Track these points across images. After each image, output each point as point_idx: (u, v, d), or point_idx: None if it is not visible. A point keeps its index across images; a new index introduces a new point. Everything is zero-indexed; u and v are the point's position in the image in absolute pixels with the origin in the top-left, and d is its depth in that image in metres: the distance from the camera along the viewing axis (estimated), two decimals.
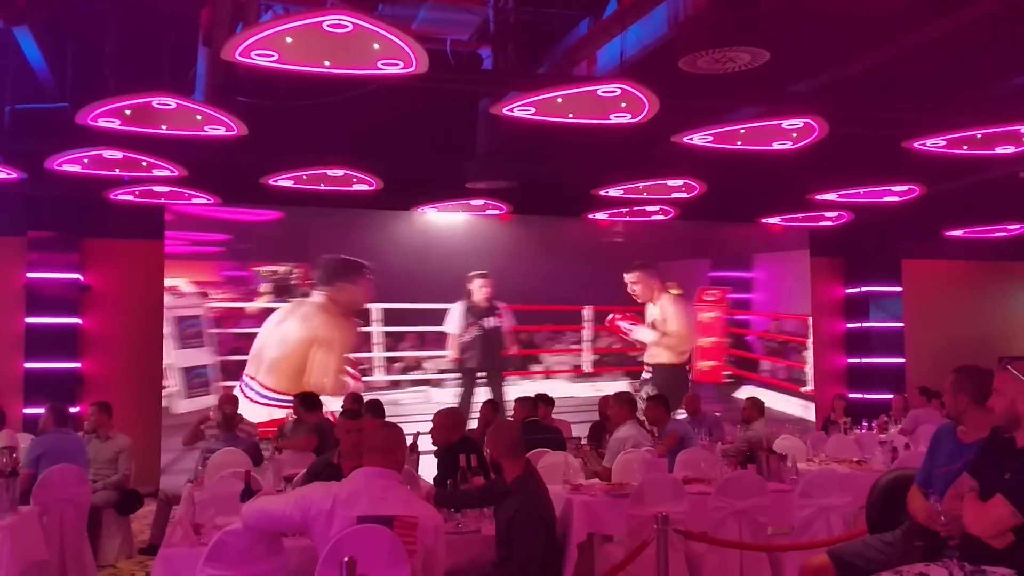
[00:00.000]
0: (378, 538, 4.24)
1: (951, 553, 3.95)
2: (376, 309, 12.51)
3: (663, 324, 13.53)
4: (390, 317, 12.59)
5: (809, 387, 14.03)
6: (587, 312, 13.47)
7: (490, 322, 12.92)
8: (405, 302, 12.57)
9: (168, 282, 11.81)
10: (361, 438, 5.86)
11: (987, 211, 13.04)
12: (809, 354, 14.12)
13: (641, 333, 13.49)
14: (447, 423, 6.66)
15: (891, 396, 12.53)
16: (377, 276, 12.40)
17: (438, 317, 12.79)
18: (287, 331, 12.15)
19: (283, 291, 12.20)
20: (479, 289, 12.85)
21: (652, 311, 13.55)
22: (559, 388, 12.89)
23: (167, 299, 11.80)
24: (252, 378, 11.93)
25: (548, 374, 13.39)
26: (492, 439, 5.18)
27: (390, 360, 12.73)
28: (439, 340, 12.83)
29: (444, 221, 12.99)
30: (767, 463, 6.93)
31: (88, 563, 7.00)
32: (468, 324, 12.84)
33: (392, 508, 4.28)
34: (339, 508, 4.25)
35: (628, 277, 13.37)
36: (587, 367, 13.56)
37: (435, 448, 6.79)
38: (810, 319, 14.11)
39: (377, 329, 12.60)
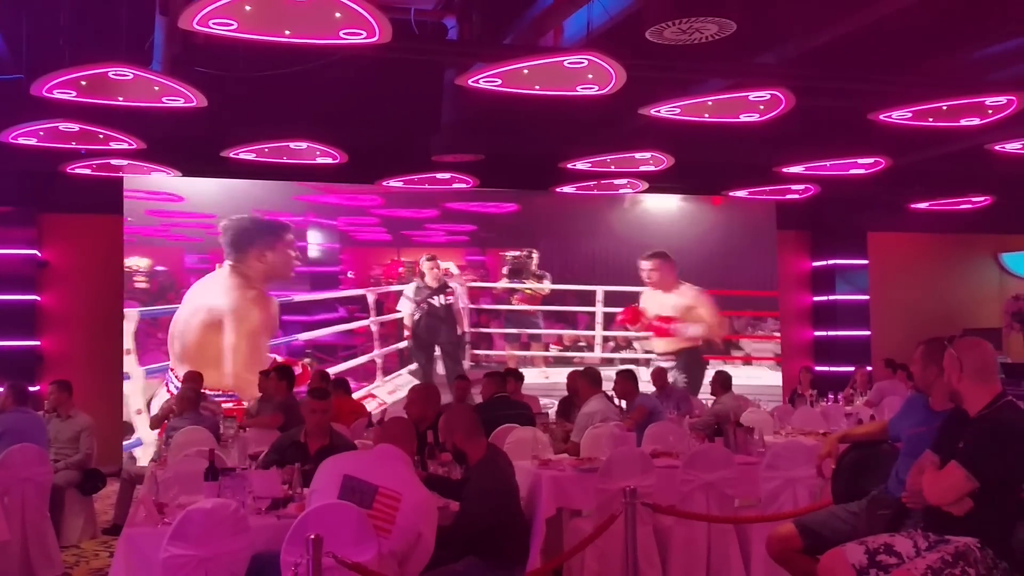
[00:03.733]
0: (345, 516, 4.20)
1: (915, 523, 4.00)
2: (599, 290, 13.62)
3: (692, 312, 13.70)
4: (608, 298, 13.69)
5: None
6: None
7: (439, 300, 13.19)
8: (620, 284, 13.63)
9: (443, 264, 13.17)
10: (327, 419, 5.84)
11: (952, 183, 13.13)
12: None
13: (692, 330, 13.64)
14: (422, 398, 6.62)
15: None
16: (597, 259, 13.66)
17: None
18: (189, 314, 11.95)
19: (518, 272, 13.55)
20: (430, 270, 13.17)
21: (667, 300, 13.70)
22: (757, 375, 13.78)
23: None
24: (172, 371, 11.68)
25: (747, 360, 14.03)
26: (448, 426, 5.04)
27: (606, 339, 13.77)
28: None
29: (658, 205, 13.95)
30: (734, 436, 6.94)
31: (51, 544, 6.92)
32: (417, 302, 13.10)
33: (382, 480, 4.27)
34: (337, 462, 4.51)
35: (646, 264, 13.57)
36: None
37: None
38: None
39: (599, 309, 13.70)
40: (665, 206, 13.99)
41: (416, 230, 13.09)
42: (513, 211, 13.47)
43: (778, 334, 14.22)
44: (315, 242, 12.74)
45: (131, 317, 11.70)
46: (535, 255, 13.48)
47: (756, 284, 14.23)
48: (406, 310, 12.98)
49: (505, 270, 13.46)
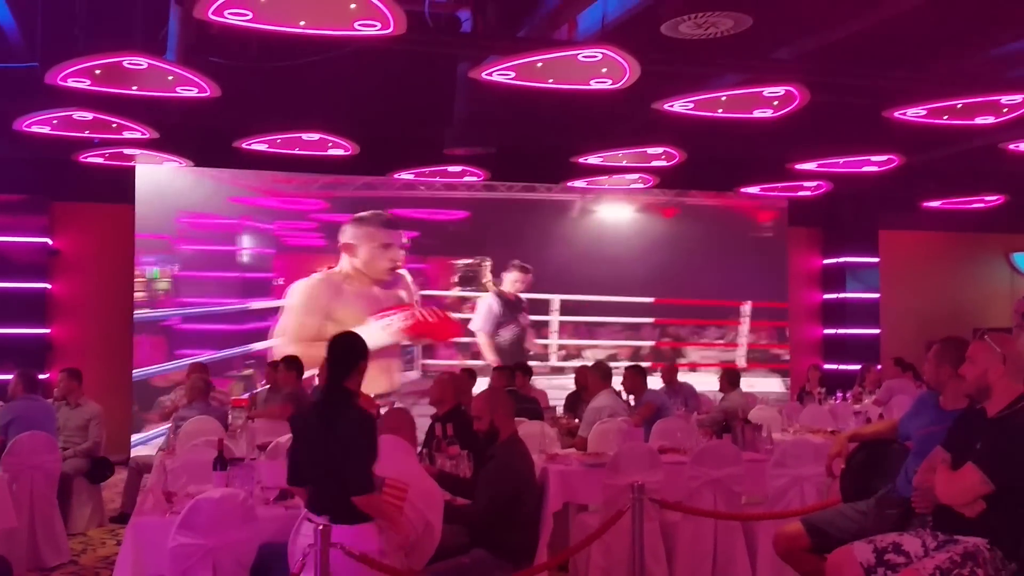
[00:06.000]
0: None
1: (923, 522, 3.98)
2: (555, 299, 13.28)
3: None
4: (564, 307, 13.38)
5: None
6: (745, 308, 13.83)
7: (524, 318, 13.07)
8: (577, 293, 13.26)
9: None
10: None
11: (965, 182, 13.06)
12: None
13: None
14: (445, 382, 6.62)
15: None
16: (553, 267, 13.16)
17: (604, 308, 13.41)
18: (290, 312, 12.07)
19: (470, 280, 13.03)
20: (513, 282, 12.96)
21: None
22: (706, 381, 12.90)
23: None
24: None
25: (693, 367, 13.62)
26: (492, 403, 5.09)
27: (560, 347, 13.50)
28: (591, 331, 13.53)
29: (613, 214, 13.60)
30: (742, 433, 6.93)
31: (59, 531, 6.94)
32: (504, 321, 12.94)
33: (388, 471, 4.29)
34: None
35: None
36: (741, 362, 13.73)
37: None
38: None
39: (554, 318, 13.38)
40: (617, 214, 13.62)
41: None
42: (462, 218, 13.01)
43: (721, 342, 13.91)
44: (248, 247, 12.27)
45: None
46: (488, 263, 12.99)
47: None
48: (486, 328, 12.92)
49: (455, 278, 12.96)
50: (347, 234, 12.39)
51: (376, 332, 12.19)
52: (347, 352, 4.27)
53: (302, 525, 4.12)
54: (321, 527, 3.90)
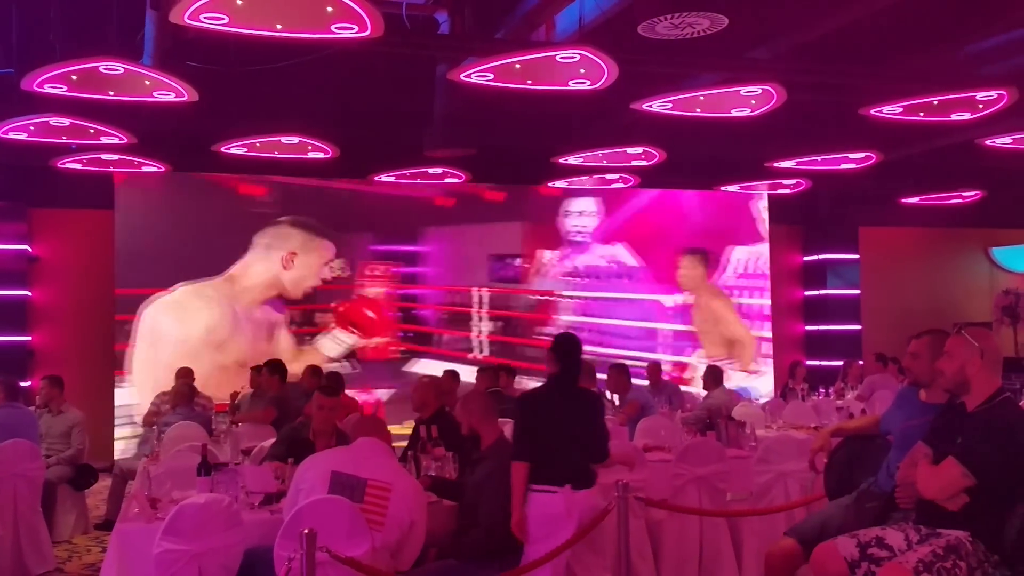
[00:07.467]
0: (338, 510, 4.20)
1: (904, 516, 4.01)
2: None
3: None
4: None
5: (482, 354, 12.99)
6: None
7: None
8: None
9: None
10: (335, 417, 5.78)
11: (943, 178, 13.17)
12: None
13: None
14: (427, 386, 6.64)
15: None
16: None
17: None
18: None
19: None
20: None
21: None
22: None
23: None
24: None
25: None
26: (466, 409, 5.18)
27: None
28: None
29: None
30: (726, 430, 6.98)
31: (43, 539, 6.91)
32: None
33: (369, 472, 4.28)
34: (320, 460, 4.53)
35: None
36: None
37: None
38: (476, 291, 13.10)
39: None
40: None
41: None
42: None
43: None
44: None
45: None
46: None
47: None
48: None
49: None
50: (289, 240, 11.71)
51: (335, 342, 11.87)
52: (577, 346, 5.07)
53: (543, 497, 4.71)
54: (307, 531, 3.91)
